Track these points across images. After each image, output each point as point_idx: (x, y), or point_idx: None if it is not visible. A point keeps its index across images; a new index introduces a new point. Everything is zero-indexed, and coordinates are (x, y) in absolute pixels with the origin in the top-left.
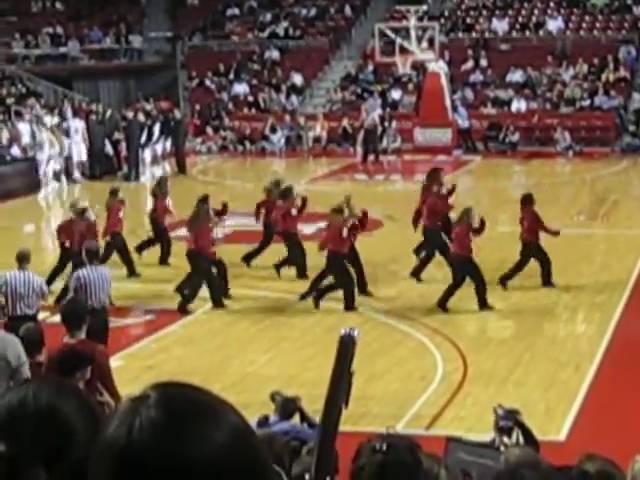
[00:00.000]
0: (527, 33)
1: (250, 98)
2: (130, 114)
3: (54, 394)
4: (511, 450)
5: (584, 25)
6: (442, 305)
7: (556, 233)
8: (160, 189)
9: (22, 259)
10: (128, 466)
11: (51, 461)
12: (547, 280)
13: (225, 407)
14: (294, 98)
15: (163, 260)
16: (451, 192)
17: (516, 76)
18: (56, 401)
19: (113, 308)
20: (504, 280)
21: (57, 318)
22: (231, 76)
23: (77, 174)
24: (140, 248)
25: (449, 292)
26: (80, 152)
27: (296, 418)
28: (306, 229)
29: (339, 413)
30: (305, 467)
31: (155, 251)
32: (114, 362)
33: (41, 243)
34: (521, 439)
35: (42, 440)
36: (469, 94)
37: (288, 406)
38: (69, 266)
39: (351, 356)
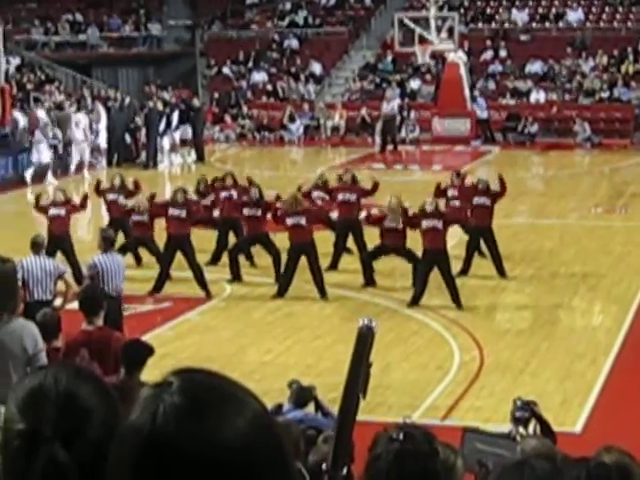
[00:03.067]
0: (547, 24)
1: (269, 87)
2: (151, 102)
3: (73, 378)
4: (527, 441)
5: (604, 16)
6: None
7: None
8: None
9: (36, 246)
10: (153, 453)
11: (70, 441)
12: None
13: (246, 394)
14: (313, 87)
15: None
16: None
17: (535, 67)
18: (75, 385)
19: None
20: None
21: (74, 305)
22: (250, 64)
23: (102, 161)
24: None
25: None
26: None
27: (310, 407)
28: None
29: (357, 403)
30: (321, 456)
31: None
32: None
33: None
34: (538, 430)
35: (61, 421)
36: (488, 84)
37: (303, 395)
38: None
39: (369, 347)
